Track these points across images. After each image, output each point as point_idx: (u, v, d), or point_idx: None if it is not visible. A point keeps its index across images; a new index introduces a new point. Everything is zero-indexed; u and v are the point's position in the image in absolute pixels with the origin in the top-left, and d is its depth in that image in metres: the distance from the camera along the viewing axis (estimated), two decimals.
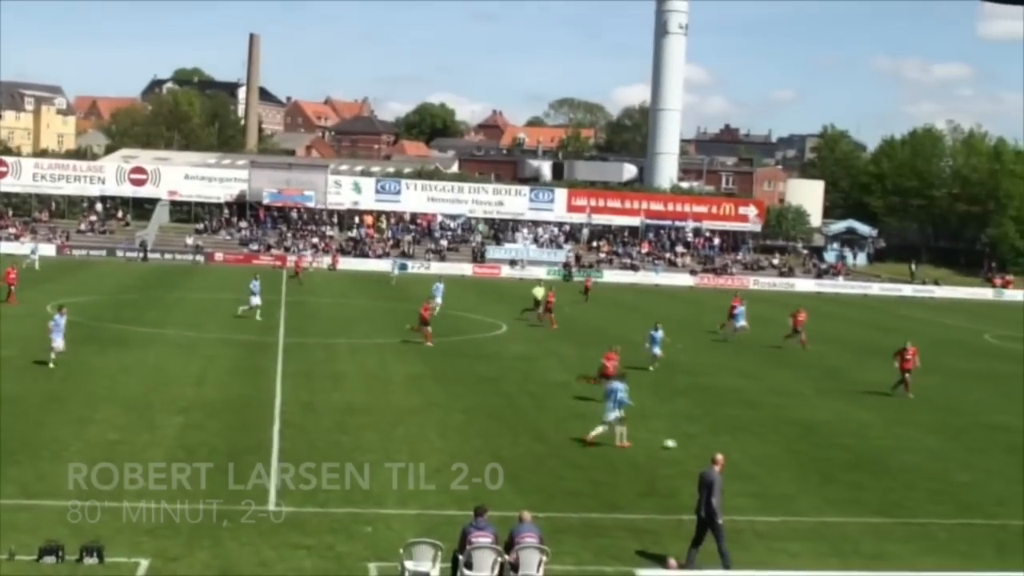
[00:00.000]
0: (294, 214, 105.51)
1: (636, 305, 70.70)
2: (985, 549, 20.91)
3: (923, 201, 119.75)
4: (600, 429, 27.83)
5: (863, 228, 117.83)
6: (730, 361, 45.51)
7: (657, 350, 41.51)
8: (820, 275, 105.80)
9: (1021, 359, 51.60)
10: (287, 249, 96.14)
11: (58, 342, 35.43)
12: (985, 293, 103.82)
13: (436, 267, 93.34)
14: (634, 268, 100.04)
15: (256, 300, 50.44)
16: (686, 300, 78.57)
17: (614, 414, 27.95)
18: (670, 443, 27.60)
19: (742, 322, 52.72)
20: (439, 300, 55.57)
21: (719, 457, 19.89)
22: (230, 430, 27.28)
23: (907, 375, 38.53)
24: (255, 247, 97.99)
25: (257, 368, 37.09)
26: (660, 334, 41.75)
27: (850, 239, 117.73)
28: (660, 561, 18.86)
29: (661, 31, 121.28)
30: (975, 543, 21.23)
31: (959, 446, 30.68)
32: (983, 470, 27.83)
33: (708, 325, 59.40)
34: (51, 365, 34.71)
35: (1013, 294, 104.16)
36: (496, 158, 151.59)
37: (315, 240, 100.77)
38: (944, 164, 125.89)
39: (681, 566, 18.15)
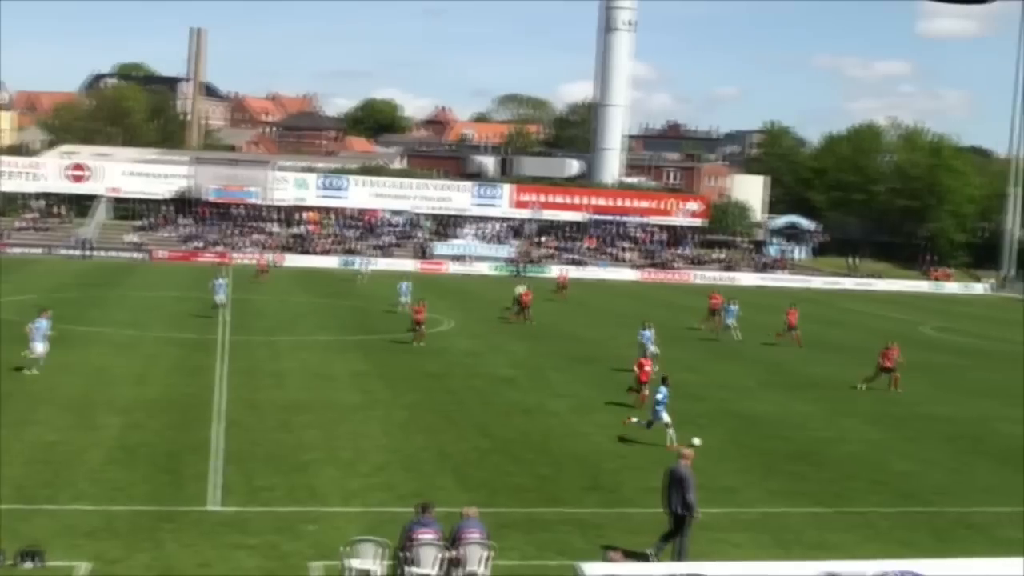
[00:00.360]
0: (238, 210, 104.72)
1: (582, 300, 70.84)
2: (923, 536, 21.18)
3: (864, 196, 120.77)
4: (671, 432, 27.93)
5: (805, 223, 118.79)
6: (675, 355, 45.63)
7: (652, 348, 41.66)
8: (763, 269, 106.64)
9: (958, 351, 52.30)
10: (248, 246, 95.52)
11: (38, 347, 33.90)
12: (924, 286, 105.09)
13: (381, 264, 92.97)
14: (579, 263, 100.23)
15: (220, 298, 50.51)
16: (631, 295, 78.87)
17: (666, 416, 28.25)
18: (696, 441, 27.75)
19: (732, 320, 52.42)
20: (405, 299, 55.61)
21: (687, 451, 20.04)
22: (171, 430, 27.05)
23: (893, 373, 38.82)
24: (198, 244, 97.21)
25: (200, 367, 36.80)
26: (650, 333, 41.62)
27: (792, 233, 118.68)
28: (643, 553, 18.95)
29: (607, 28, 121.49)
30: (913, 530, 21.51)
31: (898, 436, 31.02)
32: (921, 459, 28.19)
33: (653, 320, 59.61)
34: (33, 371, 33.42)
35: (951, 287, 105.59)
36: (442, 154, 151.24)
37: (258, 237, 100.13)
38: (885, 160, 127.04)
39: (630, 555, 18.20)
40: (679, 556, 18.46)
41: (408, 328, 45.60)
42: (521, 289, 57.12)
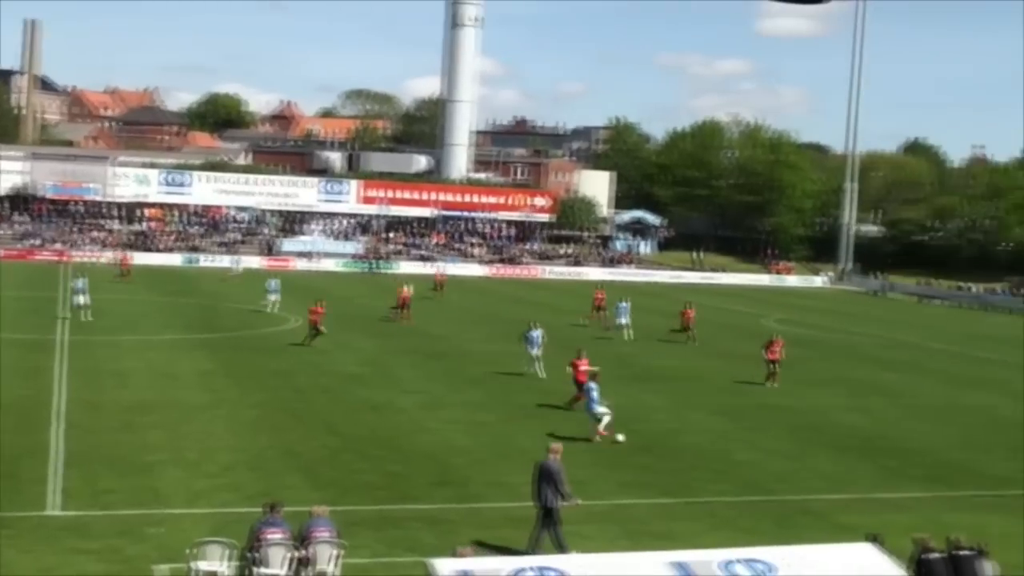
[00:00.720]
0: (76, 207, 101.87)
1: (432, 296, 70.78)
2: (765, 524, 21.66)
3: (707, 191, 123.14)
4: (606, 420, 28.24)
5: (651, 218, 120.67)
6: (523, 350, 45.89)
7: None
8: (609, 264, 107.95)
9: (798, 342, 53.59)
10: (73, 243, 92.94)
11: None
12: (765, 280, 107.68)
13: (226, 261, 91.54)
14: (428, 259, 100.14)
15: (81, 299, 49.26)
16: (480, 291, 79.09)
17: (602, 408, 28.44)
18: (620, 437, 27.88)
19: (625, 319, 51.93)
20: (275, 297, 54.83)
21: (556, 446, 20.21)
22: (7, 433, 26.14)
23: (775, 366, 39.49)
24: (34, 242, 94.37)
25: (37, 368, 35.70)
26: (537, 334, 40.02)
27: (638, 228, 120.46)
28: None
29: (454, 23, 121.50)
30: (756, 518, 21.98)
31: (740, 427, 31.70)
32: (763, 449, 28.85)
33: (503, 314, 60.02)
34: None
35: (791, 280, 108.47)
36: (287, 149, 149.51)
37: (98, 235, 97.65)
38: (727, 156, 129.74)
39: (481, 547, 18.20)
40: (530, 550, 18.55)
41: (306, 336, 44.33)
42: (408, 288, 56.25)
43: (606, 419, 28.29)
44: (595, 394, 28.85)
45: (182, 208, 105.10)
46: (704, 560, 14.41)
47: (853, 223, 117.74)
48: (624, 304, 52.82)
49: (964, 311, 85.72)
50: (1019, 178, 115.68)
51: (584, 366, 32.61)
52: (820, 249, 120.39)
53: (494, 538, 19.68)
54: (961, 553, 17.33)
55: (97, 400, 30.70)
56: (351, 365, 39.77)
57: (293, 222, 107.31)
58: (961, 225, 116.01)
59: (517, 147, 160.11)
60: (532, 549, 18.67)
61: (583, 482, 24.31)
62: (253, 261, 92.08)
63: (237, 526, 18.33)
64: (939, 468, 27.72)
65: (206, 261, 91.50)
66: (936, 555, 17.08)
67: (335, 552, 16.88)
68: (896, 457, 28.70)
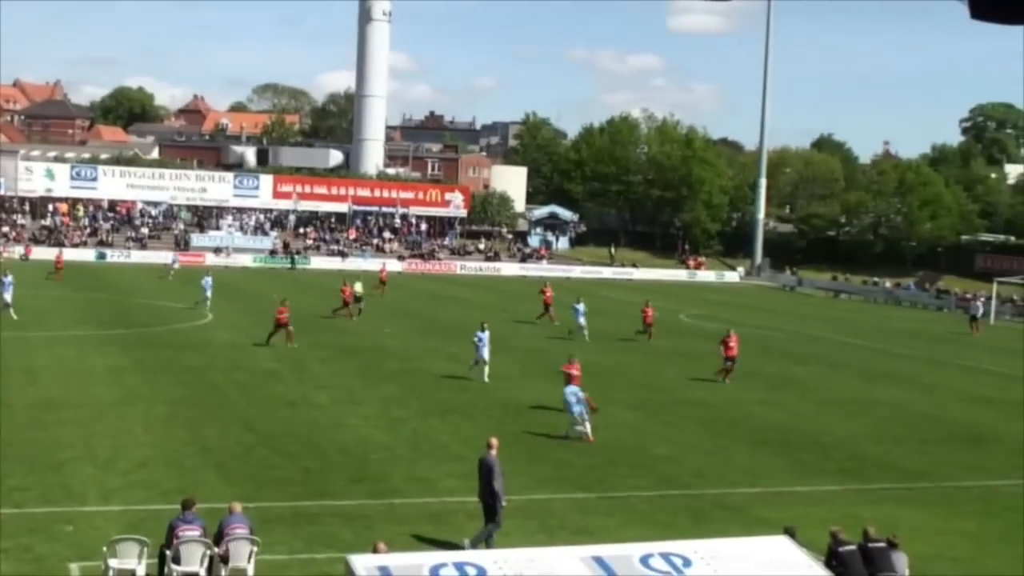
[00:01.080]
0: None
1: (374, 293, 70.35)
2: (682, 518, 21.84)
3: (621, 187, 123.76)
4: (588, 427, 28.18)
5: (565, 213, 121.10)
6: (439, 345, 45.91)
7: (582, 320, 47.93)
8: (524, 259, 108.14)
9: (712, 337, 54.06)
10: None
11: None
12: (680, 275, 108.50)
13: (137, 255, 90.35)
14: (342, 255, 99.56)
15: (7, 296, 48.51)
16: (394, 286, 78.73)
17: (579, 409, 28.32)
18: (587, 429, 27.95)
19: (582, 319, 50.82)
20: (209, 293, 54.02)
21: (493, 441, 20.23)
22: None
23: (730, 363, 39.63)
24: None
25: None
26: (485, 336, 38.73)
27: (553, 224, 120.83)
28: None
29: (365, 18, 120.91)
30: (673, 513, 22.15)
31: (657, 421, 31.93)
32: (679, 443, 29.07)
33: (418, 310, 59.94)
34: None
35: (705, 275, 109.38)
36: (198, 144, 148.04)
37: (5, 230, 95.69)
38: (640, 151, 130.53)
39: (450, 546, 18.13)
40: (473, 544, 18.56)
41: (268, 333, 43.54)
42: (360, 285, 55.45)
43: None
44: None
45: (91, 203, 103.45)
46: (622, 554, 14.47)
47: (763, 219, 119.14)
48: (579, 306, 51.51)
49: (874, 306, 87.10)
50: (927, 174, 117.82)
51: (575, 371, 31.68)
52: (733, 244, 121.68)
53: (413, 534, 19.62)
54: (873, 545, 17.62)
55: (5, 397, 30.06)
56: (266, 361, 39.42)
57: (205, 217, 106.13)
58: (871, 221, 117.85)
59: (430, 142, 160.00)
60: (475, 544, 18.68)
61: None
62: (167, 257, 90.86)
63: (152, 523, 18.11)
64: (852, 461, 28.13)
65: (118, 257, 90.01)
66: (849, 547, 17.35)
67: (251, 549, 16.74)
68: (810, 451, 29.09)
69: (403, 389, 34.98)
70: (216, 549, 16.51)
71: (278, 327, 43.12)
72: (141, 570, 16.30)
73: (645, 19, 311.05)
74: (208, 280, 55.53)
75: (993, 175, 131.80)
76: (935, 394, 40.28)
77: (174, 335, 44.61)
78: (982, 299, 76.82)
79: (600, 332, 52.28)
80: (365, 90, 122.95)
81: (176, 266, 78.63)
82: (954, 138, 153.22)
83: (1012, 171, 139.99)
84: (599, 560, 14.11)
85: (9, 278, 49.23)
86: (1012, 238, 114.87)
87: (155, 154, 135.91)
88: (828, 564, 16.35)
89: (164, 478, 22.70)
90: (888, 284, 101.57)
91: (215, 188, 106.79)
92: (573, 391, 28.89)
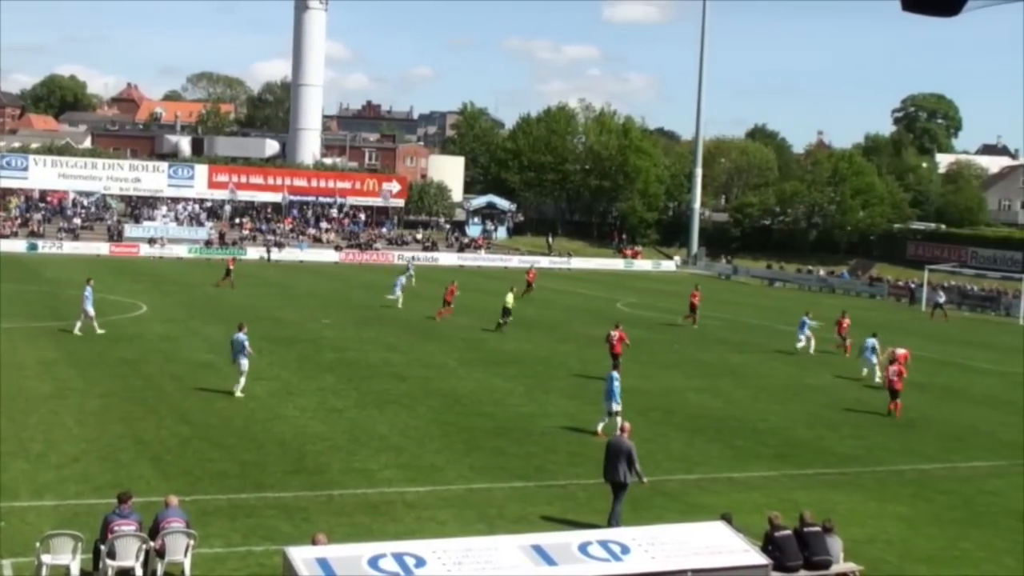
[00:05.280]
0: None
1: (281, 282, 70.08)
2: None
3: (558, 176, 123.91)
4: (606, 420, 27.82)
5: (502, 203, 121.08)
6: (377, 335, 45.79)
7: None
8: (462, 249, 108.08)
9: (649, 325, 54.43)
10: None
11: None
12: (616, 264, 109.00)
13: (69, 247, 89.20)
14: (279, 245, 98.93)
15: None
16: (331, 276, 78.48)
17: (614, 404, 28.09)
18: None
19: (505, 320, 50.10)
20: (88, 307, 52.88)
21: (626, 425, 21.49)
22: None
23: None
24: None
25: None
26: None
27: (490, 213, 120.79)
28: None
29: (301, 6, 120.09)
30: (611, 500, 22.23)
31: (595, 409, 31.86)
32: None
33: (355, 300, 59.74)
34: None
35: (642, 264, 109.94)
36: (132, 133, 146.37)
37: None
38: (577, 141, 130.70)
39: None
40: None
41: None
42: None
43: (606, 420, 28.00)
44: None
45: (22, 193, 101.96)
46: (561, 543, 14.56)
47: (699, 208, 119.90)
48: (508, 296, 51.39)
49: (809, 293, 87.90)
50: (859, 164, 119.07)
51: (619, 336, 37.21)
52: (669, 234, 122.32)
53: (351, 525, 19.55)
54: (808, 529, 17.84)
55: None
56: (201, 352, 39.10)
57: (139, 207, 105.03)
58: (805, 210, 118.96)
59: (368, 132, 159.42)
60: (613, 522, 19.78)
61: (437, 467, 24.44)
62: (101, 248, 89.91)
63: (87, 518, 17.93)
64: (787, 447, 28.44)
65: (50, 248, 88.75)
66: (785, 532, 17.55)
67: (188, 543, 16.61)
68: (746, 437, 29.35)
69: (340, 380, 34.85)
70: (152, 543, 16.37)
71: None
72: (75, 566, 16.12)
73: (580, 9, 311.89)
74: (88, 291, 51.50)
75: (924, 164, 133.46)
76: (866, 379, 40.75)
77: (108, 327, 44.03)
78: (950, 288, 78.89)
79: (535, 322, 52.40)
80: (301, 79, 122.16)
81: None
82: (886, 128, 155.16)
83: (943, 160, 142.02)
84: (538, 549, 14.18)
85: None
86: (943, 226, 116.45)
87: (87, 143, 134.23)
88: (764, 549, 16.53)
89: (98, 472, 22.45)
90: (822, 272, 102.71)
91: (149, 178, 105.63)
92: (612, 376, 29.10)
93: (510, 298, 49.74)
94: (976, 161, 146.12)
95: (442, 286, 55.20)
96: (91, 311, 41.95)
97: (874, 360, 40.89)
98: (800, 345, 47.20)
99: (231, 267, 66.74)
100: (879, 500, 23.55)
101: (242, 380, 31.46)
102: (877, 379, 39.69)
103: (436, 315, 51.87)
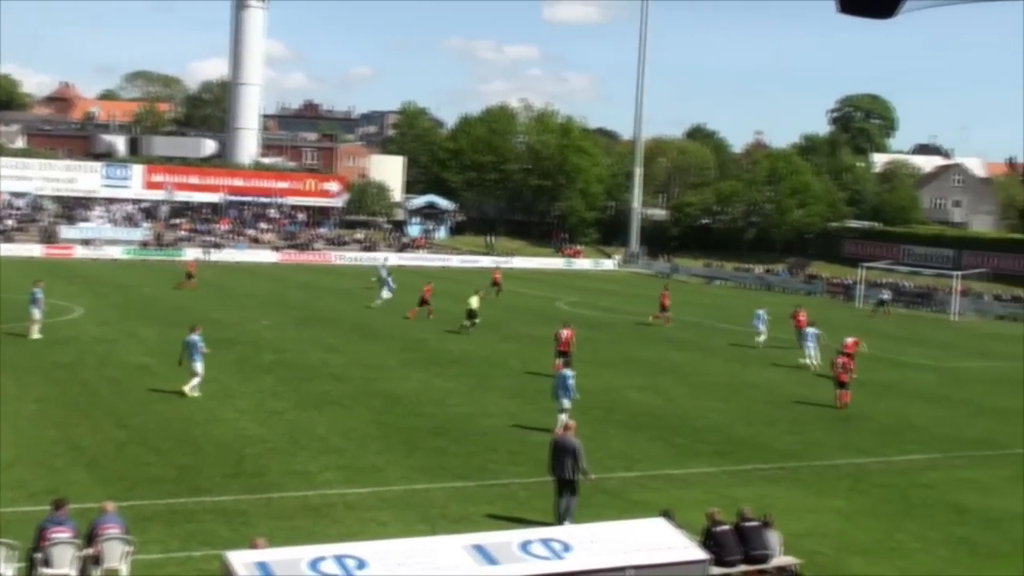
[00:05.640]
0: None
1: (219, 283, 69.47)
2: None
3: (499, 176, 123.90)
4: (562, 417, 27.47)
5: (443, 202, 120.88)
6: (316, 336, 45.56)
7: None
8: (403, 249, 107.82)
9: (589, 324, 54.53)
10: None
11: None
12: (557, 263, 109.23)
13: (2, 249, 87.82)
14: (216, 246, 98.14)
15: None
16: (270, 277, 77.98)
17: (566, 401, 28.27)
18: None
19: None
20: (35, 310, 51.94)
21: (571, 423, 22.04)
22: None
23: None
24: None
25: None
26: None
27: (431, 213, 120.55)
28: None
29: (240, 4, 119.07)
30: (551, 498, 22.25)
31: (536, 408, 32.00)
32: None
33: (294, 301, 59.41)
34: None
35: (582, 263, 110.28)
36: (67, 132, 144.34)
37: None
38: (518, 141, 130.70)
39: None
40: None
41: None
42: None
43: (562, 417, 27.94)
44: (571, 383, 28.71)
45: None
46: (502, 542, 14.56)
47: (639, 207, 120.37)
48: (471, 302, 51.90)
49: (747, 291, 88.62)
50: (796, 163, 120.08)
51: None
52: (609, 233, 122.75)
53: (291, 528, 19.43)
54: (747, 524, 17.99)
55: None
56: (137, 355, 38.69)
57: (74, 208, 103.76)
58: (743, 209, 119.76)
59: (307, 131, 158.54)
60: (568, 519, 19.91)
61: (378, 468, 24.37)
62: (34, 249, 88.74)
63: (21, 526, 17.66)
64: (726, 444, 28.64)
65: None
66: (724, 527, 17.67)
67: (125, 549, 16.42)
68: (686, 434, 29.52)
69: (280, 381, 34.63)
70: (88, 550, 16.16)
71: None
72: (9, 574, 15.88)
73: (521, 9, 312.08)
74: (39, 293, 50.50)
75: (860, 164, 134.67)
76: (805, 376, 41.15)
77: (42, 331, 43.45)
78: (887, 285, 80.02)
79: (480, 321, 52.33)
80: (240, 78, 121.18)
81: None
82: (823, 128, 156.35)
83: (878, 160, 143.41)
84: (479, 548, 14.17)
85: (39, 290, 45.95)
86: (878, 225, 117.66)
87: (21, 143, 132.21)
88: (704, 544, 16.64)
89: (33, 478, 22.13)
90: (759, 270, 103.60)
91: (84, 178, 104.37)
92: (566, 375, 29.21)
93: (474, 300, 49.69)
94: (910, 161, 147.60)
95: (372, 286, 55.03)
96: (38, 315, 41.40)
97: (813, 348, 42.92)
98: (761, 339, 48.23)
99: (192, 271, 67.26)
100: (816, 494, 23.79)
101: (194, 380, 31.45)
102: (811, 361, 40.91)
103: (410, 314, 52.18)
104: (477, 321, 49.18)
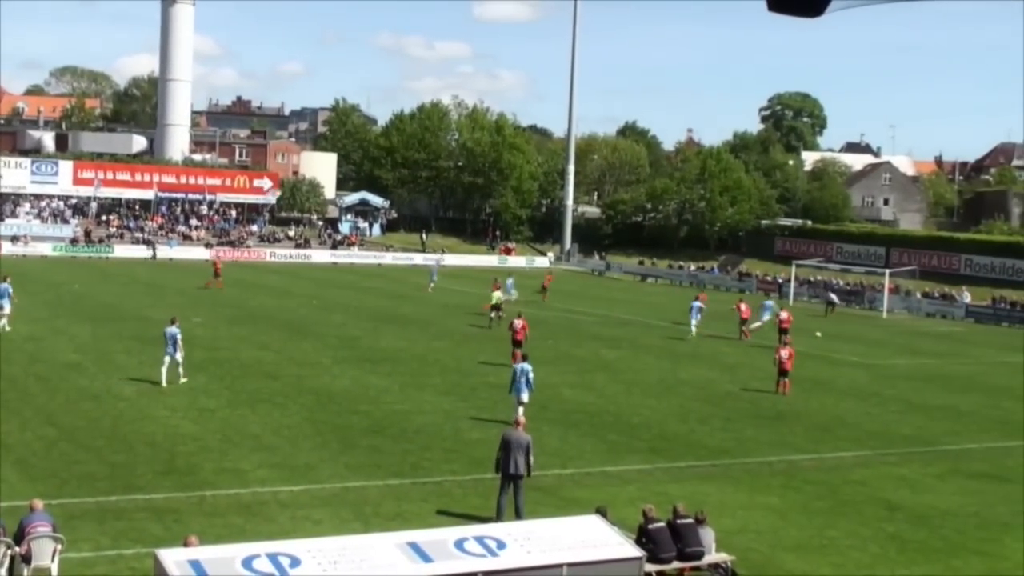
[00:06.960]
0: None
1: (150, 280, 68.78)
2: (493, 502, 21.94)
3: (432, 173, 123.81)
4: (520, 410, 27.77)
5: (376, 200, 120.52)
6: (249, 334, 45.25)
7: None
8: (335, 246, 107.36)
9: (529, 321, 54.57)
10: None
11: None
12: (491, 260, 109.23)
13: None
14: (148, 243, 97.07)
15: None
16: (202, 274, 77.23)
17: (524, 395, 28.57)
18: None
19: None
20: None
21: (521, 419, 20.94)
22: None
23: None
24: None
25: None
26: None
27: (363, 210, 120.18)
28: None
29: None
30: (486, 496, 22.18)
31: (469, 406, 32.03)
32: (492, 427, 29.10)
33: (227, 299, 58.90)
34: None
35: (515, 260, 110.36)
36: None
37: None
38: (451, 138, 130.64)
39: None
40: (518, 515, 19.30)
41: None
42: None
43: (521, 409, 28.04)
44: (531, 376, 29.34)
45: None
46: (436, 539, 14.54)
47: (572, 205, 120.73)
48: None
49: (680, 289, 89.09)
50: (728, 161, 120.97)
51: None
52: (543, 230, 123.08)
53: (224, 526, 19.28)
54: (681, 521, 18.10)
55: None
56: (67, 353, 38.21)
57: (1, 204, 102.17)
58: (675, 206, 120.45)
59: (238, 128, 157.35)
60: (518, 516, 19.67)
61: (311, 465, 24.24)
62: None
63: None
64: (660, 441, 28.79)
65: None
66: (658, 524, 17.78)
67: (55, 547, 16.20)
68: (620, 431, 29.64)
69: (212, 379, 34.34)
70: (17, 549, 15.93)
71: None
72: None
73: (452, 7, 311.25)
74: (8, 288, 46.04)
75: (790, 162, 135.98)
76: (738, 373, 41.48)
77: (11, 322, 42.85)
78: (836, 286, 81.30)
79: (408, 319, 52.24)
80: (169, 74, 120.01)
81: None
82: (754, 126, 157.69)
83: (808, 158, 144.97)
84: (414, 546, 14.14)
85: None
86: (809, 222, 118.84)
87: None
88: (638, 541, 16.71)
89: None
90: (692, 268, 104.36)
91: (11, 174, 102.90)
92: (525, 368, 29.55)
93: (495, 295, 52.29)
94: (840, 159, 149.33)
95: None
96: (7, 308, 42.60)
97: (767, 318, 50.80)
98: (693, 331, 51.14)
99: (218, 269, 68.40)
100: (749, 491, 23.98)
101: (181, 370, 32.81)
102: (756, 324, 48.70)
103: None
104: (502, 314, 50.62)
